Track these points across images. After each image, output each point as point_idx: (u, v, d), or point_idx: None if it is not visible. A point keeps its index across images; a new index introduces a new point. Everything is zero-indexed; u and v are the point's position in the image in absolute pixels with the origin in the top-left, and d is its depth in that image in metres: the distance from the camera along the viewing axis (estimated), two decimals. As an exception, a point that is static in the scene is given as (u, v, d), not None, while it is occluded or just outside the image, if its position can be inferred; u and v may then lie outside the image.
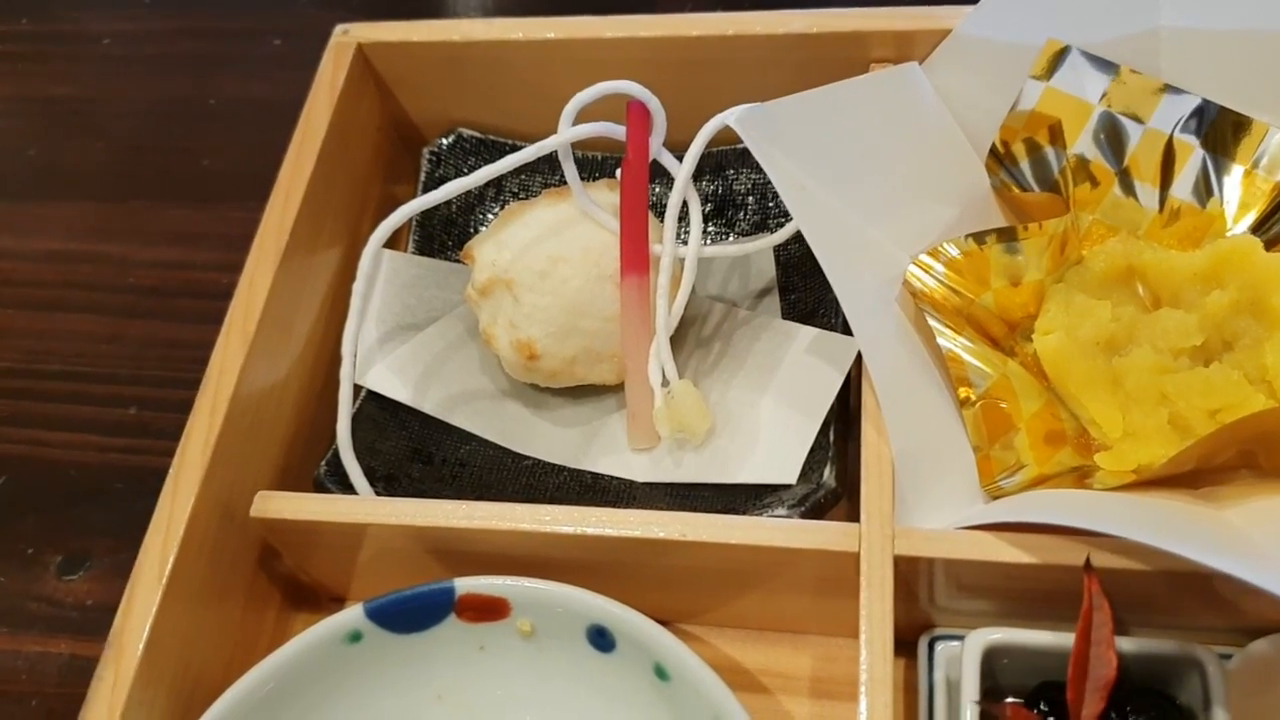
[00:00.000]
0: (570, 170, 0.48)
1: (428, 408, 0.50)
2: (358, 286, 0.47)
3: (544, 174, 0.57)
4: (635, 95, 0.46)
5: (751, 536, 0.40)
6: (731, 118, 0.42)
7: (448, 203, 0.56)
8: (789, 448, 0.45)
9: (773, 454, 0.46)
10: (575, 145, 0.48)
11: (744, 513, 0.45)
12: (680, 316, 0.48)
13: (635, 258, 0.47)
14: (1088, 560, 0.37)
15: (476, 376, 0.52)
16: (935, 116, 0.49)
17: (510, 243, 0.48)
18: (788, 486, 0.45)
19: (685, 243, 0.49)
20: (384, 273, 0.51)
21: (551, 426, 0.51)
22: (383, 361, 0.51)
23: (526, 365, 0.49)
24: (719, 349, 0.51)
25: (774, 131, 0.43)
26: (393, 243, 0.50)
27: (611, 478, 0.49)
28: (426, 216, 0.55)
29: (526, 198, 0.57)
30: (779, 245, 0.53)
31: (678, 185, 0.47)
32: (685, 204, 0.48)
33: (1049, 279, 0.47)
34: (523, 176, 0.57)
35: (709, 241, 0.54)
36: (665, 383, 0.47)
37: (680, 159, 0.48)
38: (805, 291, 0.52)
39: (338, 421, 0.46)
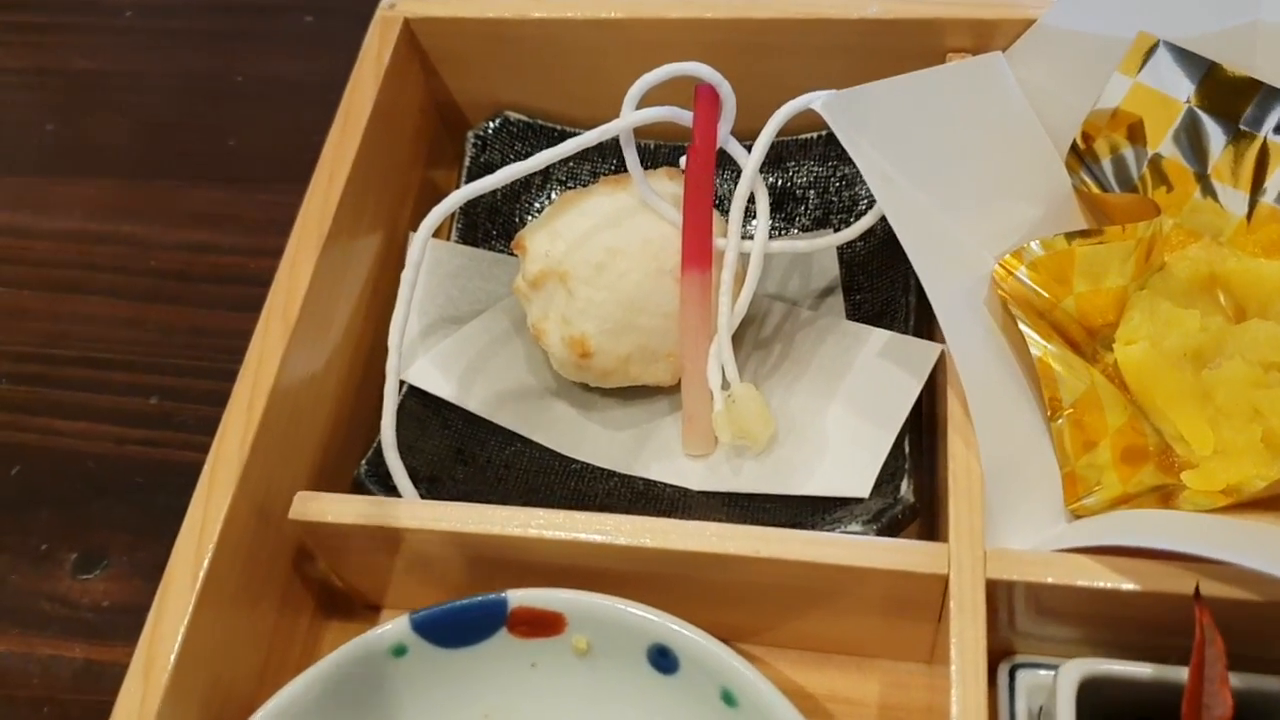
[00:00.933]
0: (632, 157, 0.45)
1: (472, 406, 0.47)
2: (407, 275, 0.44)
3: (593, 161, 0.55)
4: (705, 78, 0.43)
5: (831, 555, 0.37)
6: (818, 102, 0.39)
7: (493, 189, 0.53)
8: (861, 459, 0.43)
9: (843, 465, 0.43)
10: (634, 132, 0.45)
11: (811, 526, 0.42)
12: (744, 315, 0.45)
13: (698, 251, 0.44)
14: (1197, 589, 0.35)
15: (523, 374, 0.49)
16: (1019, 111, 0.46)
17: (565, 233, 0.45)
18: (859, 500, 0.42)
19: (748, 237, 0.46)
20: (427, 262, 0.48)
21: (601, 429, 0.48)
22: (425, 356, 0.48)
23: (578, 363, 0.46)
24: (780, 351, 0.48)
25: (861, 119, 0.41)
26: (435, 231, 0.48)
27: (665, 484, 0.46)
28: (471, 203, 0.52)
29: (575, 186, 0.55)
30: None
31: (745, 175, 0.45)
32: (751, 196, 0.45)
33: (1132, 285, 0.44)
34: (571, 164, 0.55)
35: (770, 237, 0.52)
36: (725, 385, 0.44)
37: (747, 148, 0.45)
38: (871, 292, 0.49)
39: (382, 418, 0.43)
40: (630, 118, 0.44)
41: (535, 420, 0.48)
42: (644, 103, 0.44)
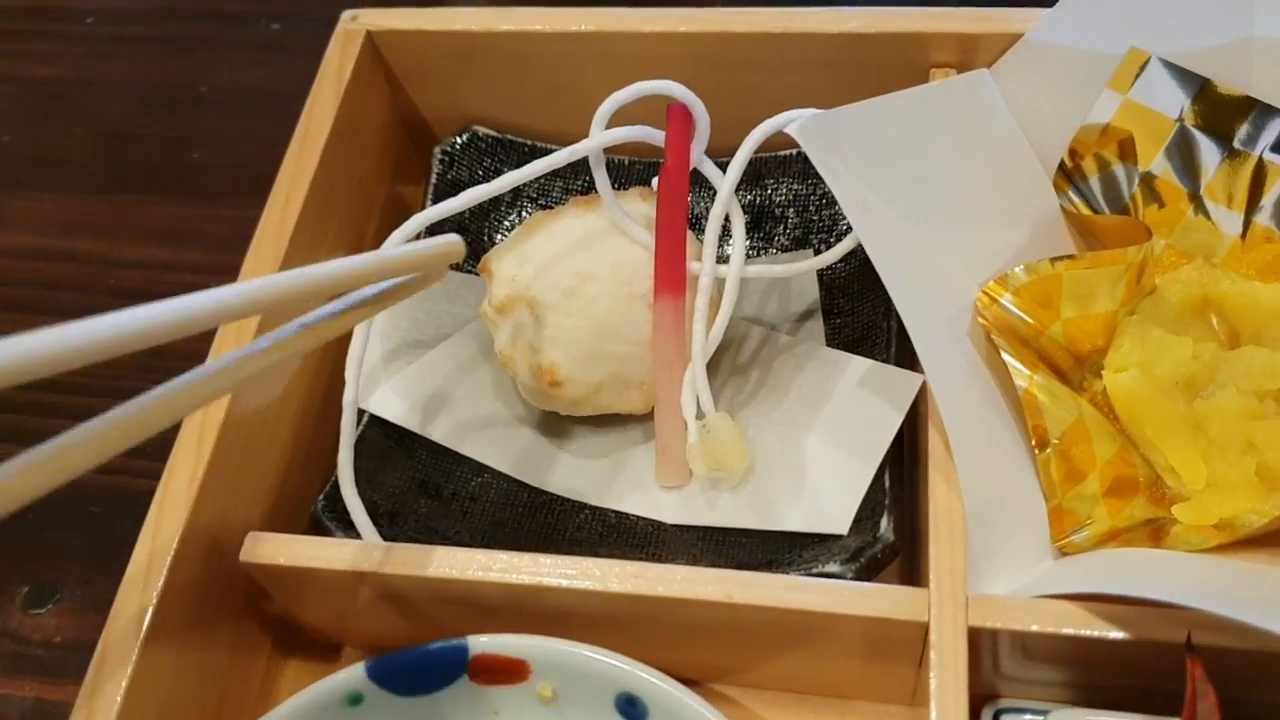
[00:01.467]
0: (602, 178, 0.44)
1: (436, 435, 0.46)
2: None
3: (565, 178, 0.53)
4: (678, 97, 0.42)
5: (808, 601, 0.35)
6: (793, 126, 0.38)
7: (460, 210, 0.52)
8: (840, 493, 0.41)
9: (821, 500, 0.41)
10: (605, 151, 0.44)
11: (787, 564, 0.40)
12: (719, 343, 0.44)
13: (671, 277, 0.43)
14: (1188, 640, 0.33)
15: (490, 401, 0.47)
16: (1005, 131, 0.45)
17: (533, 256, 0.44)
18: (838, 537, 0.40)
19: (724, 259, 0.44)
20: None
21: (572, 458, 0.47)
22: (387, 383, 0.46)
23: (547, 392, 0.44)
24: (757, 378, 0.47)
25: (837, 142, 0.39)
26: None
27: (638, 518, 0.45)
28: (437, 222, 0.50)
29: (545, 204, 0.53)
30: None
31: (720, 197, 0.43)
32: (726, 218, 0.44)
33: (1122, 310, 0.43)
34: (543, 181, 0.53)
35: (748, 259, 0.50)
36: (700, 415, 0.43)
37: (722, 168, 0.43)
38: (852, 315, 0.48)
39: (339, 455, 0.41)
40: (600, 138, 0.43)
41: (503, 450, 0.46)
42: (615, 121, 0.43)
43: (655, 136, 0.43)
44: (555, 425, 0.47)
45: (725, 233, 0.46)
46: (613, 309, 0.43)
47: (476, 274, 0.48)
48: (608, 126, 0.43)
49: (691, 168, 0.43)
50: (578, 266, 0.43)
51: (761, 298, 0.50)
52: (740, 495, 0.43)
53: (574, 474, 0.46)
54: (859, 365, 0.44)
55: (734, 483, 0.43)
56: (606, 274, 0.43)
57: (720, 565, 0.39)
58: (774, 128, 0.41)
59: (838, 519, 0.40)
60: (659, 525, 0.44)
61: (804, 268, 0.45)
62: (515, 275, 0.44)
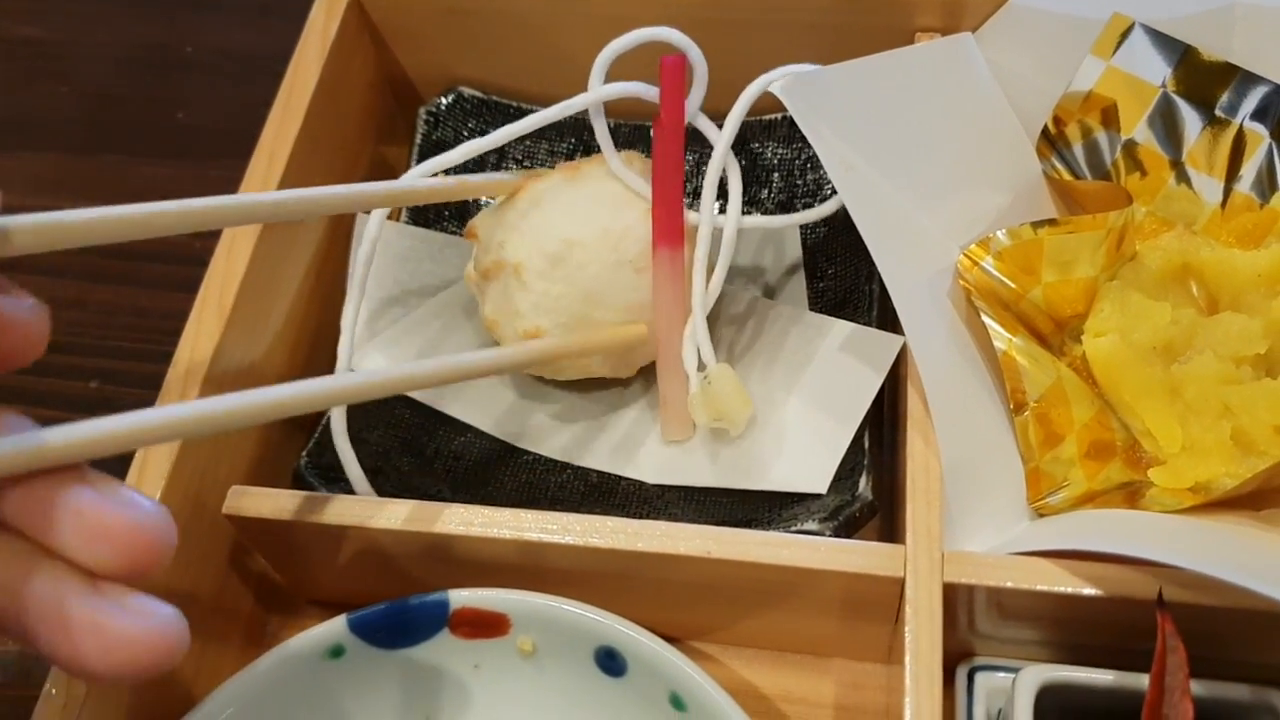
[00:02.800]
0: (602, 130, 0.43)
1: (420, 395, 0.46)
2: (362, 253, 0.42)
3: (550, 140, 0.53)
4: (676, 44, 0.41)
5: (785, 556, 0.36)
6: (777, 85, 0.38)
7: (449, 167, 0.51)
8: (819, 453, 0.41)
9: (801, 459, 0.42)
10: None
11: (767, 522, 0.41)
12: (719, 294, 0.44)
13: (669, 228, 0.42)
14: (1159, 596, 0.33)
15: None
16: (988, 94, 0.45)
17: (519, 222, 0.43)
18: (817, 496, 0.41)
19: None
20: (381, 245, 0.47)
21: (555, 420, 0.47)
22: (371, 342, 0.46)
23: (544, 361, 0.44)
24: (741, 342, 0.47)
25: (821, 102, 0.39)
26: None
27: (620, 478, 0.45)
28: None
29: (531, 165, 0.53)
30: (806, 227, 0.49)
31: (718, 152, 0.43)
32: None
33: (1103, 275, 0.43)
34: (528, 142, 0.53)
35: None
36: (701, 367, 0.43)
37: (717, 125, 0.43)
38: (835, 280, 0.48)
39: (331, 409, 0.41)
40: (599, 91, 0.42)
41: (486, 410, 0.46)
42: (610, 76, 0.42)
43: (653, 93, 0.43)
44: (539, 388, 0.48)
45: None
46: (600, 275, 0.43)
47: (462, 236, 0.48)
48: (606, 81, 0.42)
49: (688, 123, 0.43)
50: (565, 233, 0.43)
51: (746, 262, 0.50)
52: (722, 455, 0.44)
53: (557, 435, 0.46)
54: (841, 328, 0.44)
55: (737, 432, 0.43)
56: (594, 240, 0.43)
57: (701, 523, 0.40)
58: (764, 86, 0.41)
59: (816, 478, 0.41)
60: (641, 485, 0.44)
61: (797, 219, 0.45)
62: (502, 240, 0.43)
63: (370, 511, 0.38)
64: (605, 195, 0.43)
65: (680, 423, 0.44)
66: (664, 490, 0.44)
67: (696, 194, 0.46)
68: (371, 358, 0.46)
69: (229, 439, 0.41)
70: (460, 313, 0.48)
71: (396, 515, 0.38)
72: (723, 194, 0.44)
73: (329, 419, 0.42)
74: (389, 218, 0.45)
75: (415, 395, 0.46)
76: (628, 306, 0.43)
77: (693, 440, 0.45)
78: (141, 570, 0.25)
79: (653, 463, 0.45)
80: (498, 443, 0.46)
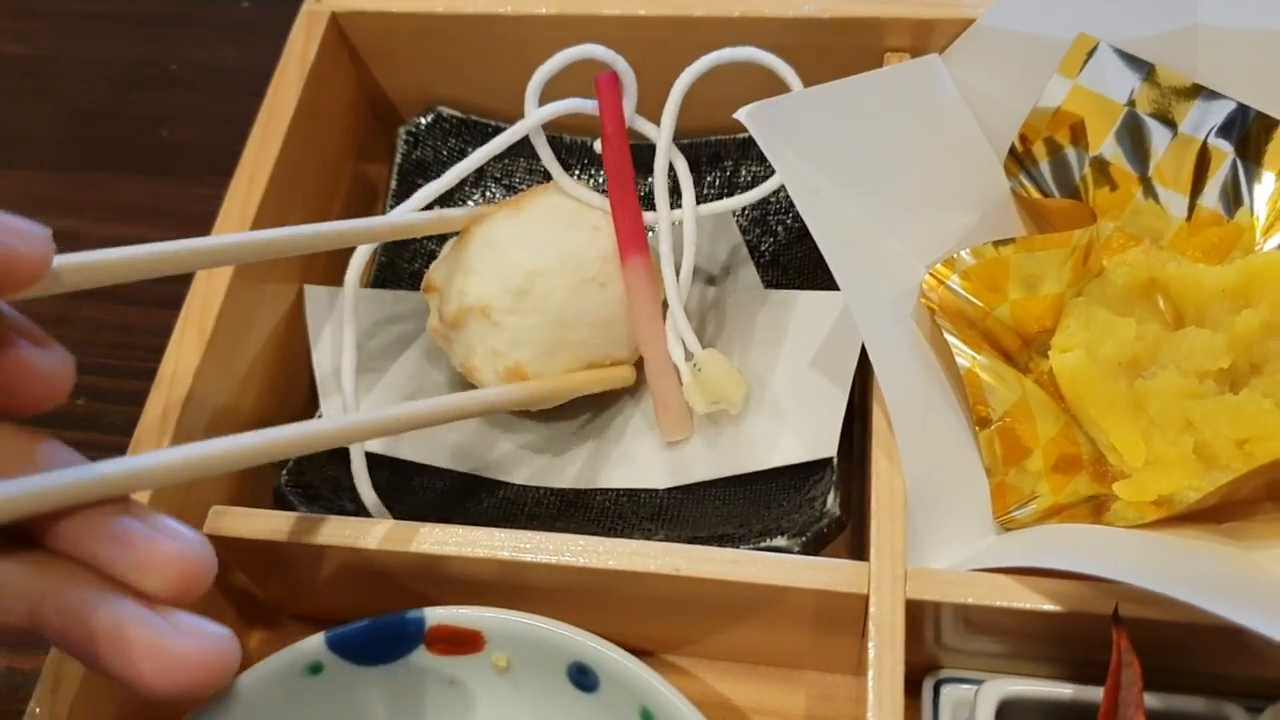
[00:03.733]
0: (545, 153, 0.45)
1: (406, 454, 0.46)
2: (347, 334, 0.44)
3: (528, 158, 0.54)
4: (599, 58, 0.43)
5: (752, 574, 0.37)
6: (742, 112, 0.38)
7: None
8: (820, 419, 0.42)
9: (804, 429, 0.43)
10: (551, 128, 0.45)
11: (737, 539, 0.41)
12: (690, 283, 0.45)
13: (633, 237, 0.44)
14: (1115, 611, 0.34)
15: None
16: (956, 114, 0.46)
17: (476, 265, 0.44)
18: (787, 515, 0.41)
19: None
20: (330, 318, 0.48)
21: (545, 454, 0.47)
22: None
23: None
24: (710, 331, 0.48)
25: (786, 128, 0.40)
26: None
27: (596, 491, 0.46)
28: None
29: (509, 184, 0.53)
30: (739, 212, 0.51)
31: (660, 147, 0.44)
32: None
33: (1069, 291, 0.44)
34: (505, 161, 0.53)
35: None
36: (689, 357, 0.44)
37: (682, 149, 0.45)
38: (775, 254, 0.50)
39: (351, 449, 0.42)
40: (535, 115, 0.44)
41: (473, 457, 0.47)
42: (554, 94, 0.44)
43: (588, 106, 0.44)
44: (517, 423, 0.48)
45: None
46: (567, 298, 0.43)
47: (414, 287, 0.48)
48: (544, 103, 0.44)
49: (628, 127, 0.45)
50: (524, 265, 0.43)
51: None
52: (724, 446, 0.44)
53: (548, 466, 0.47)
54: (806, 299, 0.45)
55: (736, 410, 0.44)
56: (554, 266, 0.43)
57: (673, 539, 0.40)
58: (692, 79, 0.43)
59: (823, 443, 0.42)
60: (617, 500, 0.45)
61: (754, 196, 0.46)
62: (462, 289, 0.44)
63: (350, 531, 0.39)
64: (553, 221, 0.44)
65: (679, 422, 0.45)
66: (638, 505, 0.45)
67: (648, 199, 0.47)
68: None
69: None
70: (429, 365, 0.49)
71: (376, 535, 0.39)
72: (676, 191, 0.45)
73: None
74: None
75: (403, 455, 0.46)
76: (599, 321, 0.44)
77: (693, 439, 0.45)
78: (186, 595, 0.28)
79: (657, 466, 0.45)
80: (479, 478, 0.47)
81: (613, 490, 0.45)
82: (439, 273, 0.45)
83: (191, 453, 0.31)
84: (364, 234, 0.42)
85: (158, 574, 0.27)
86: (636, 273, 0.44)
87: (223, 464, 0.32)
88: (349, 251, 0.44)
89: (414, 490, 0.46)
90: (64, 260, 0.31)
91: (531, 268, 0.43)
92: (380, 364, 0.48)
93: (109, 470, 0.28)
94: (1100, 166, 0.46)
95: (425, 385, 0.48)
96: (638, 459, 0.46)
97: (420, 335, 0.49)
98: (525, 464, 0.47)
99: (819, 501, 0.41)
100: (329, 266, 0.50)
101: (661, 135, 0.44)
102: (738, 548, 0.39)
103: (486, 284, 0.43)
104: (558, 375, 0.44)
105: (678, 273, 0.44)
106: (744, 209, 0.51)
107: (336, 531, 0.39)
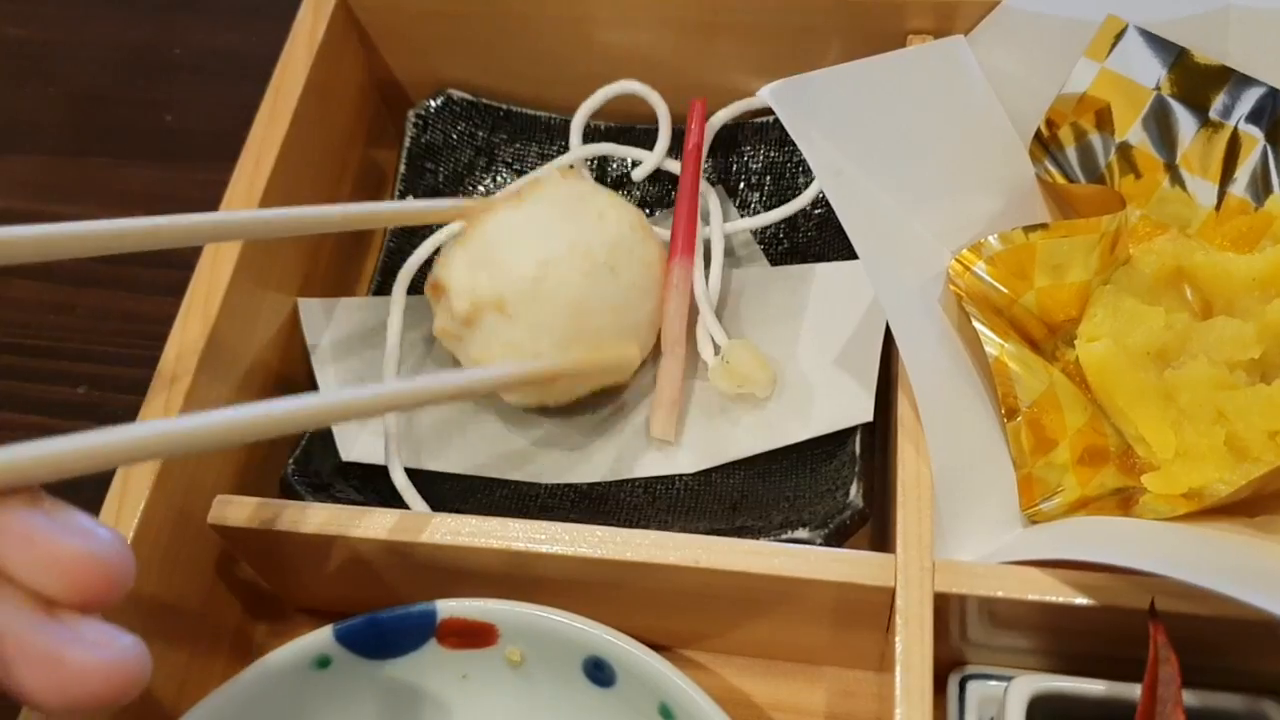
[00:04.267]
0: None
1: (424, 464, 0.45)
2: (390, 346, 0.45)
3: (541, 143, 0.53)
4: (640, 95, 0.48)
5: (775, 565, 0.35)
6: (766, 89, 0.37)
7: (435, 175, 0.51)
8: (852, 386, 0.42)
9: (838, 397, 0.42)
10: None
11: (757, 531, 0.40)
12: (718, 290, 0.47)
13: (688, 240, 0.46)
14: (1152, 606, 0.33)
15: (456, 414, 0.47)
16: (980, 97, 0.45)
17: (485, 260, 0.42)
18: (808, 506, 0.40)
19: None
20: (328, 331, 0.47)
21: (561, 450, 0.46)
22: (362, 430, 0.45)
23: (541, 385, 0.44)
24: (729, 315, 0.47)
25: (811, 107, 0.39)
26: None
27: (609, 484, 0.45)
28: (412, 191, 0.50)
29: (521, 167, 0.52)
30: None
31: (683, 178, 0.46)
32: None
33: (1096, 279, 0.43)
34: (518, 145, 0.52)
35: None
36: (717, 350, 0.44)
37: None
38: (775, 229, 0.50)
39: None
40: (578, 151, 0.49)
41: (483, 456, 0.46)
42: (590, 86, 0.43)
43: (616, 150, 0.50)
44: (530, 419, 0.47)
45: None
46: (583, 286, 0.42)
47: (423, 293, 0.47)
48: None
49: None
50: (536, 255, 0.42)
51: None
52: (756, 423, 0.44)
53: (565, 462, 0.46)
54: (822, 270, 0.45)
55: (764, 394, 0.44)
56: (566, 255, 0.42)
57: (691, 531, 0.39)
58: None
59: (859, 409, 0.41)
60: (633, 493, 0.44)
61: (781, 215, 0.47)
62: (473, 285, 0.42)
63: (357, 521, 0.38)
64: (557, 212, 0.43)
65: (668, 422, 0.44)
66: (654, 498, 0.44)
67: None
68: (366, 444, 0.45)
69: (215, 447, 0.41)
70: (434, 368, 0.48)
71: (384, 525, 0.38)
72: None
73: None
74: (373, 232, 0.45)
75: (419, 465, 0.45)
76: (615, 308, 0.43)
77: (722, 420, 0.45)
78: (95, 601, 0.24)
79: (687, 452, 0.44)
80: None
81: (628, 483, 0.44)
82: (445, 271, 0.44)
83: (112, 438, 0.26)
84: (368, 218, 0.41)
85: (59, 575, 0.24)
86: (683, 273, 0.45)
87: (149, 450, 0.29)
88: (352, 246, 0.43)
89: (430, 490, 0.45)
90: (72, 228, 0.29)
91: (543, 256, 0.42)
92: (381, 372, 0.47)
93: (16, 454, 0.25)
94: (1125, 153, 0.45)
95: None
96: (664, 447, 0.45)
97: (419, 341, 0.48)
98: (539, 461, 0.46)
99: (841, 492, 0.40)
100: (332, 262, 0.50)
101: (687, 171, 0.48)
102: (758, 539, 0.38)
103: (499, 277, 0.42)
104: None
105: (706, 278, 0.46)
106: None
107: (345, 521, 0.38)
